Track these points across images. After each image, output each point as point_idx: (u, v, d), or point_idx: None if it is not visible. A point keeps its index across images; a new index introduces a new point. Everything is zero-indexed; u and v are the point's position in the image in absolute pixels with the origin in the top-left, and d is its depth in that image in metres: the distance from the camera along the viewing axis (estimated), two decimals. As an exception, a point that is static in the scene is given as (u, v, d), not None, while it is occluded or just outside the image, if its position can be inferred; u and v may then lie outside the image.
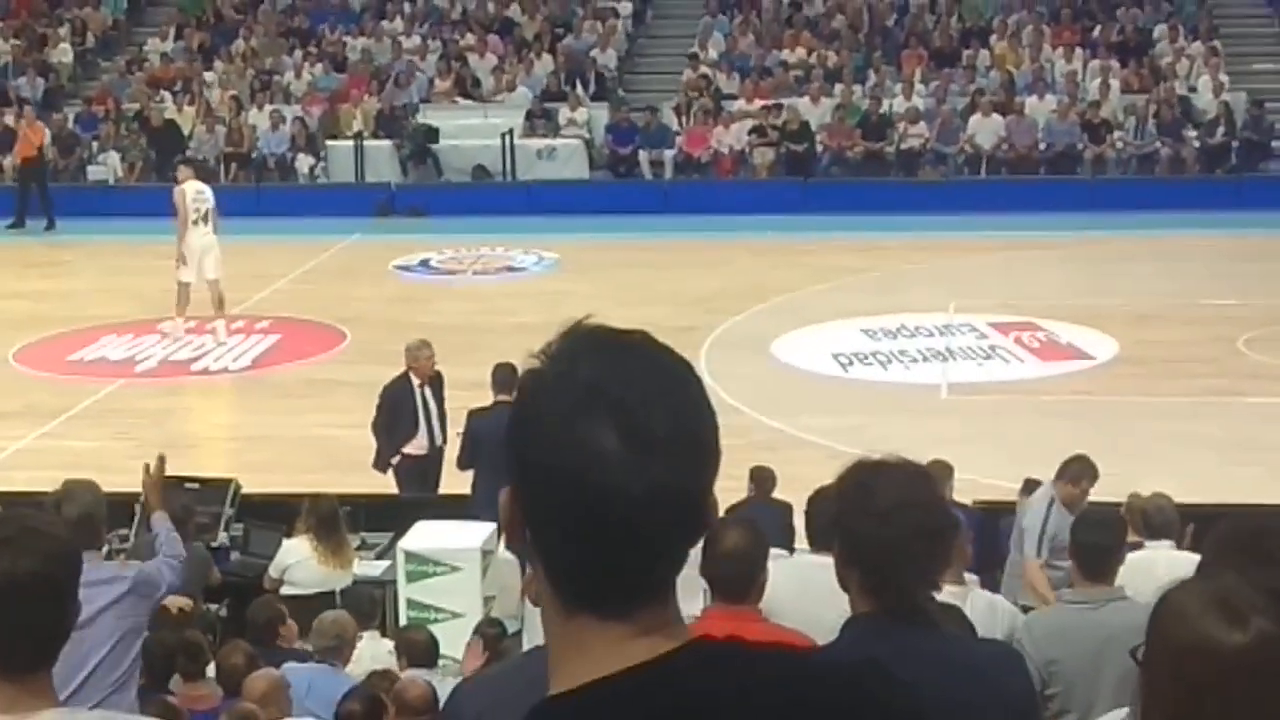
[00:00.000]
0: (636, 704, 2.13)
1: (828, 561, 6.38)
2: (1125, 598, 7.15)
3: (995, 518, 12.51)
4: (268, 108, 32.59)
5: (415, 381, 14.80)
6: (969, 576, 8.11)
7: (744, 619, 5.52)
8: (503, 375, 13.85)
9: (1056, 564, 10.88)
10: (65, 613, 3.29)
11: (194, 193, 21.99)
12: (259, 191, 31.18)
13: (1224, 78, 31.56)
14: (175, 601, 10.90)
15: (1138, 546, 10.82)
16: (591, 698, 2.14)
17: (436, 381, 14.94)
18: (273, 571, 11.44)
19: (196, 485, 13.07)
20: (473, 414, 13.72)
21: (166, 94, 33.57)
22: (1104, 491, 12.82)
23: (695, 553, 5.73)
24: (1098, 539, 7.29)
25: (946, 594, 7.07)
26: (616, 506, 2.11)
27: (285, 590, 11.32)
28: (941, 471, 11.92)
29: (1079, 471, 11.37)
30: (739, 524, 5.87)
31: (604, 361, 2.19)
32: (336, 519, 11.55)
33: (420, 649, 9.30)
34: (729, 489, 13.43)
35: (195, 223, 21.75)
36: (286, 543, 11.56)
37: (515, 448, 2.19)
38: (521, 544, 2.20)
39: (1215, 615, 3.08)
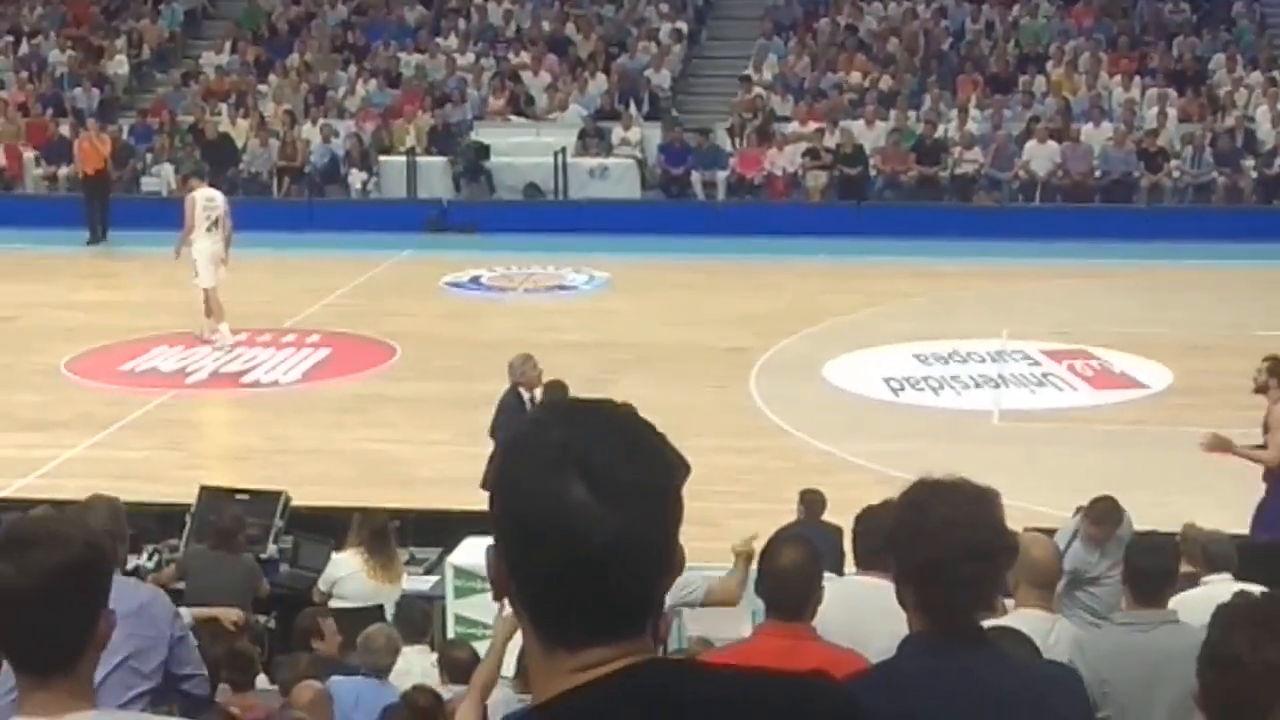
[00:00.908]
0: (588, 713, 2.38)
1: (876, 582, 6.35)
2: (1177, 621, 7.09)
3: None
4: (321, 122, 32.68)
5: (525, 395, 14.85)
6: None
7: (797, 637, 5.48)
8: (554, 393, 13.85)
9: (1090, 589, 10.84)
10: (93, 612, 3.27)
11: (204, 200, 22.14)
12: (311, 206, 31.28)
13: (1282, 108, 31.39)
14: (229, 615, 10.94)
15: (1194, 579, 10.74)
16: (554, 709, 2.39)
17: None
18: (322, 585, 11.43)
19: (246, 496, 13.10)
20: None
21: (221, 107, 33.70)
22: (1158, 522, 12.70)
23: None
24: (1152, 563, 7.26)
25: (1034, 618, 7.01)
26: (589, 553, 2.35)
27: (334, 603, 11.30)
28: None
29: (1103, 513, 11.27)
30: (795, 541, 5.83)
31: (573, 423, 2.44)
32: (387, 533, 11.55)
33: (461, 666, 9.25)
34: (780, 512, 13.38)
35: (208, 229, 21.83)
36: (336, 556, 11.55)
37: (497, 505, 2.45)
38: (506, 595, 2.44)
39: (1249, 630, 3.15)
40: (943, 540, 3.80)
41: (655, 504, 2.41)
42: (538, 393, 14.91)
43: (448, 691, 8.89)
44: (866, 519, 7.22)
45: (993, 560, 3.85)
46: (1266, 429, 13.69)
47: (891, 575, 6.18)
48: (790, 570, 5.61)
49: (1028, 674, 4.01)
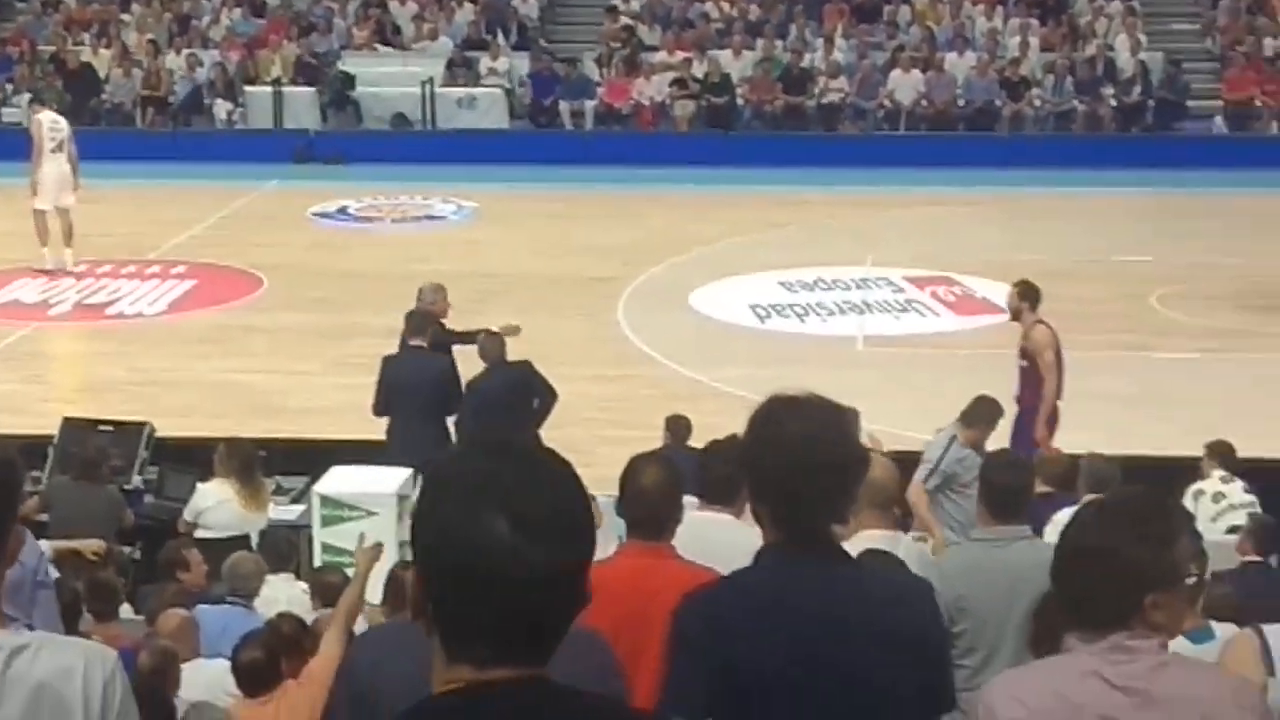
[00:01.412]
0: (460, 711, 2.56)
1: (719, 518, 6.41)
2: (1031, 537, 7.23)
3: (909, 468, 12.61)
4: (185, 52, 32.29)
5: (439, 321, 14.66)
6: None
7: (658, 556, 5.54)
8: (415, 322, 13.85)
9: (952, 495, 11.09)
10: (4, 529, 3.27)
11: (49, 123, 21.97)
12: (175, 136, 30.96)
13: (1142, 37, 31.79)
14: (89, 545, 10.90)
15: (1049, 499, 10.98)
16: (440, 703, 2.58)
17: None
18: (187, 515, 11.40)
19: (110, 428, 13.03)
20: (386, 361, 13.71)
21: (83, 36, 33.19)
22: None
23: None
24: (1008, 479, 7.35)
25: (878, 538, 7.14)
26: (507, 586, 2.51)
27: (200, 534, 11.28)
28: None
29: (981, 415, 11.56)
30: (655, 460, 5.86)
31: (498, 459, 2.60)
32: (255, 462, 11.52)
33: (333, 590, 9.28)
34: (645, 439, 13.46)
35: (52, 152, 21.60)
36: (202, 486, 11.52)
37: (419, 533, 2.59)
38: (425, 619, 2.58)
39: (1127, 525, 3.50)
40: (796, 453, 3.87)
41: (572, 542, 2.56)
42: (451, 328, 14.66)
43: (318, 615, 8.93)
44: (712, 452, 7.02)
45: (845, 472, 3.92)
46: (1025, 356, 13.88)
47: (735, 509, 6.29)
48: (651, 489, 5.65)
49: (880, 584, 4.08)
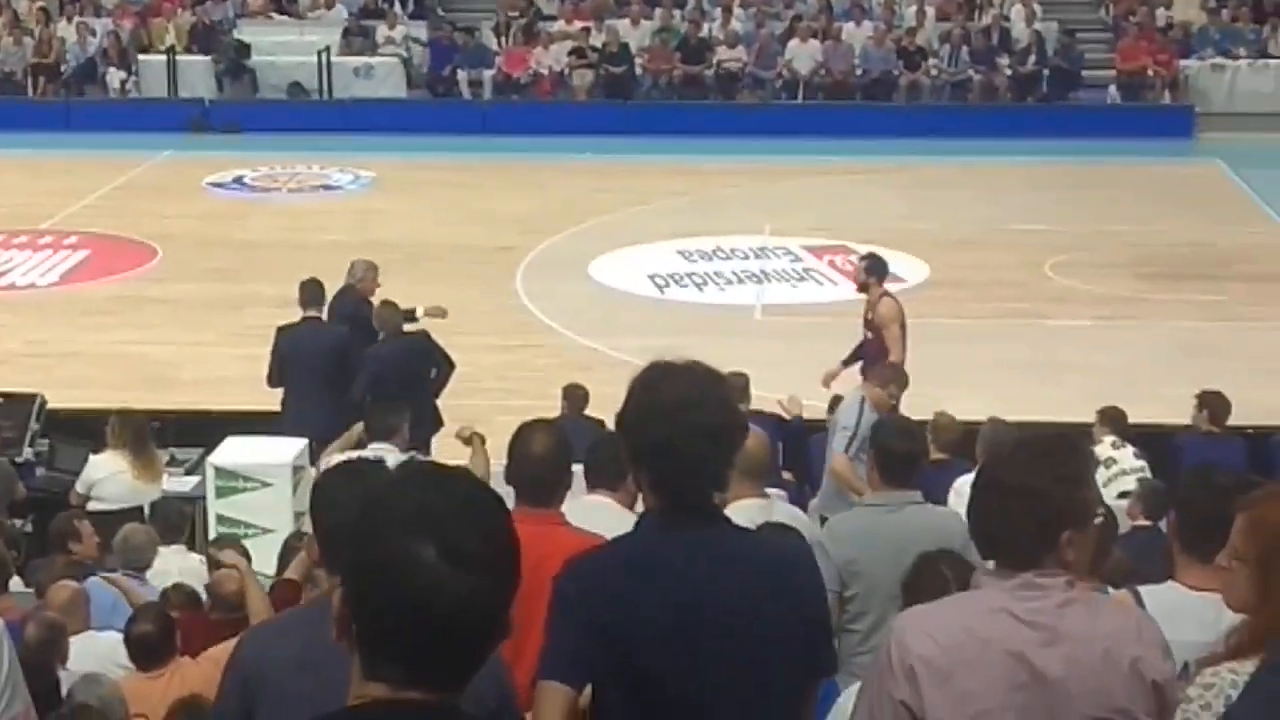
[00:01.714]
0: None
1: (603, 501, 6.41)
2: (922, 502, 7.29)
3: (806, 434, 12.68)
4: (77, 19, 31.89)
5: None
6: (771, 490, 8.20)
7: (547, 523, 5.54)
8: (310, 291, 13.76)
9: (864, 457, 11.13)
10: None
11: None
12: (68, 105, 30.60)
13: (1036, 7, 31.98)
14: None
15: (944, 465, 11.06)
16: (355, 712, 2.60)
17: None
18: (79, 487, 11.29)
19: (0, 400, 12.87)
20: (280, 331, 13.61)
21: (-29, 4, 32.71)
22: (912, 411, 13.05)
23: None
24: (902, 445, 7.40)
25: (751, 506, 7.17)
26: (431, 614, 2.54)
27: (93, 506, 11.17)
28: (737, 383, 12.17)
29: (888, 376, 11.62)
30: (544, 428, 5.86)
31: (432, 489, 2.63)
32: (147, 434, 11.42)
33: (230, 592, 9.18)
34: (543, 408, 13.46)
35: None
36: (94, 458, 11.40)
37: (350, 555, 2.61)
38: (347, 638, 2.59)
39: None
40: (674, 419, 3.87)
41: (499, 575, 2.64)
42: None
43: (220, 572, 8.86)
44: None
45: (721, 439, 3.91)
46: (871, 328, 13.98)
47: (619, 494, 6.30)
48: (540, 456, 5.65)
49: (760, 548, 4.08)
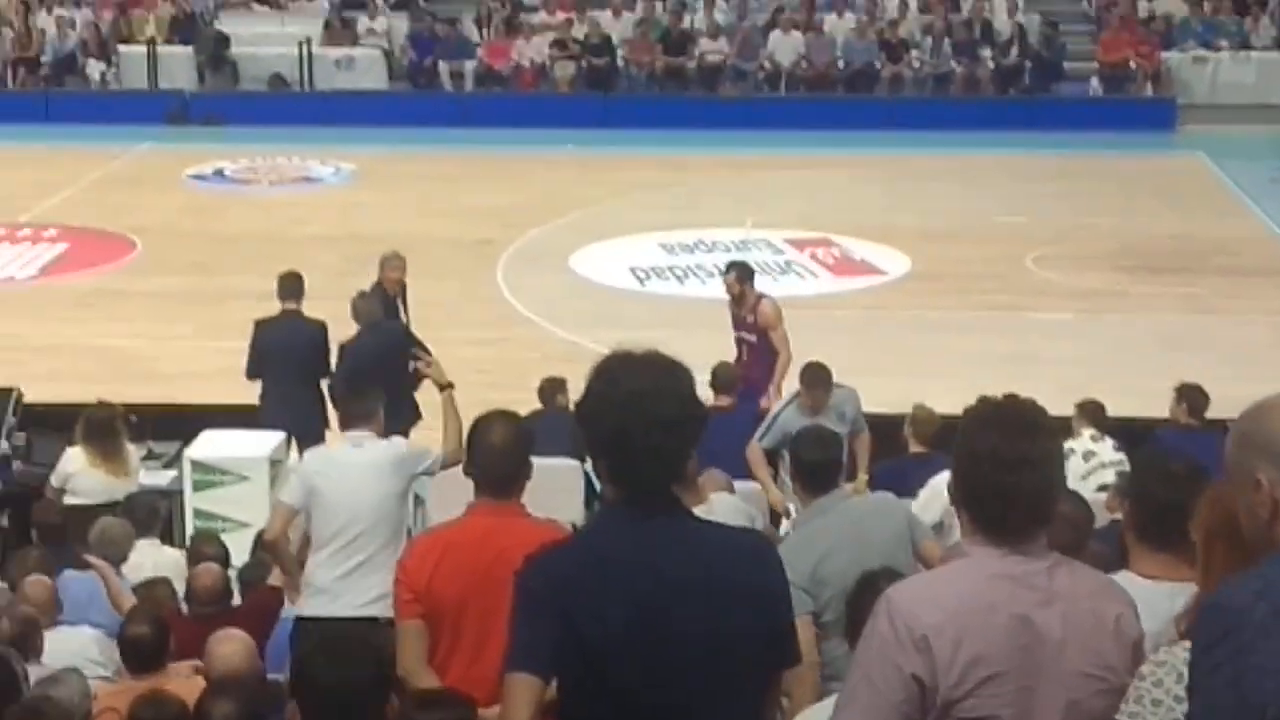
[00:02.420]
0: None
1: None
2: (847, 495, 7.37)
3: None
4: (57, 11, 31.78)
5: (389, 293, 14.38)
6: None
7: (508, 514, 5.57)
8: (288, 284, 13.70)
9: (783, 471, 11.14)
10: None
11: None
12: (48, 97, 30.49)
13: (1019, -1, 32.01)
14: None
15: (923, 459, 11.03)
16: None
17: (403, 293, 14.62)
18: (54, 480, 11.22)
19: (-26, 394, 12.82)
20: (259, 324, 13.56)
21: (-49, -5, 32.60)
22: (892, 404, 13.05)
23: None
24: (819, 456, 7.42)
25: (726, 502, 7.16)
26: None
27: (68, 500, 11.11)
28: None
29: (813, 378, 11.62)
30: (503, 419, 5.84)
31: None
32: (112, 426, 11.30)
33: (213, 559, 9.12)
34: (522, 401, 13.42)
35: None
36: (68, 451, 11.33)
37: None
38: None
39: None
40: (629, 409, 3.85)
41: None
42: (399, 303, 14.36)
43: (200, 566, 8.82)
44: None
45: (679, 430, 3.88)
46: (754, 331, 13.97)
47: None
48: (500, 447, 5.66)
49: (720, 538, 4.04)
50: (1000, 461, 3.69)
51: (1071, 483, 11.17)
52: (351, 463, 8.35)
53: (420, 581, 5.46)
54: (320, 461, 8.67)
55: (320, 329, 13.27)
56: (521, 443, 5.73)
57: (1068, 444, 11.50)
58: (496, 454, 5.64)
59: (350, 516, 8.17)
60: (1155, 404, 12.69)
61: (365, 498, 8.19)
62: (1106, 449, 11.46)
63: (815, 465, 7.32)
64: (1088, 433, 11.55)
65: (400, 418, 11.93)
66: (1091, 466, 11.29)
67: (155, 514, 10.16)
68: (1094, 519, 6.95)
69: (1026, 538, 3.73)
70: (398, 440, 9.02)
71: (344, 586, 8.07)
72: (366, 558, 8.10)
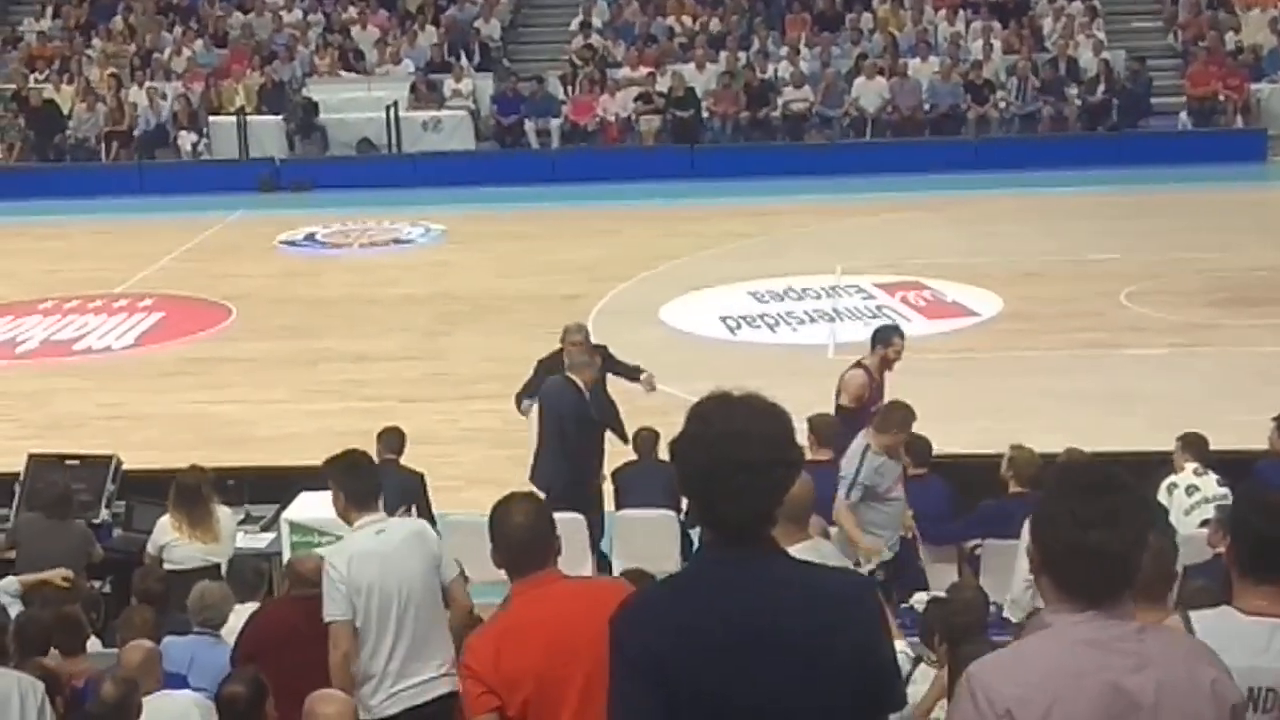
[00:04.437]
0: None
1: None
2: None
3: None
4: (147, 84, 32.21)
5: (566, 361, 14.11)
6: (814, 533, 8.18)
7: (548, 583, 5.52)
8: (389, 439, 13.06)
9: (874, 504, 10.99)
10: None
11: None
12: (141, 170, 30.86)
13: (1102, 35, 31.86)
14: (58, 573, 10.82)
15: (1024, 498, 10.93)
16: None
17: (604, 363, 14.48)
18: (150, 549, 11.28)
19: (76, 462, 12.93)
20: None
21: (45, 73, 33.09)
22: (988, 445, 12.96)
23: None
24: None
25: (800, 550, 7.08)
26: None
27: (168, 567, 11.17)
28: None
29: (893, 420, 11.42)
30: (521, 500, 5.78)
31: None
32: (198, 491, 11.32)
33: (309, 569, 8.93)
34: (615, 453, 13.46)
35: None
36: (161, 520, 11.39)
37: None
38: None
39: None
40: (719, 450, 3.85)
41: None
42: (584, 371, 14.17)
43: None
44: None
45: (762, 472, 3.86)
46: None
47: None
48: (525, 525, 5.59)
49: (819, 579, 4.02)
50: (1078, 521, 3.63)
51: (1174, 517, 11.05)
52: (378, 552, 7.82)
53: (489, 673, 5.34)
54: (347, 560, 7.89)
55: (418, 479, 12.77)
56: (545, 517, 5.68)
57: (1170, 479, 11.37)
58: (523, 532, 5.57)
59: (397, 602, 7.79)
60: (1255, 436, 12.53)
61: (404, 580, 7.80)
62: (1210, 483, 11.31)
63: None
64: (1190, 467, 11.41)
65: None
66: (1195, 501, 11.15)
67: (261, 577, 10.19)
68: (1178, 551, 6.75)
69: (1111, 601, 3.66)
70: (416, 520, 8.72)
71: (407, 670, 7.80)
72: (421, 634, 7.84)
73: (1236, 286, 21.03)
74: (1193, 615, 4.80)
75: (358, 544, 7.90)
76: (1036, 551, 3.73)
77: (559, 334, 16.25)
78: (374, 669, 7.82)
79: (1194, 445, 11.68)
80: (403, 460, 12.67)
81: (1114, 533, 3.64)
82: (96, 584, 11.54)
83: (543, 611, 5.37)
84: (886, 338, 13.66)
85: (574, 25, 33.58)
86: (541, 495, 5.97)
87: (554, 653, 5.20)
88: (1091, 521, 3.62)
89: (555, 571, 5.61)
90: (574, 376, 13.43)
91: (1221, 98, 30.48)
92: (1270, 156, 29.39)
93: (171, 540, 11.18)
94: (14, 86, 32.48)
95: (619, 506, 13.06)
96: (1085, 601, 3.65)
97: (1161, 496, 11.20)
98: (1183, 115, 30.56)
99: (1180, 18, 32.64)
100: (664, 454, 12.44)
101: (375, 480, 8.22)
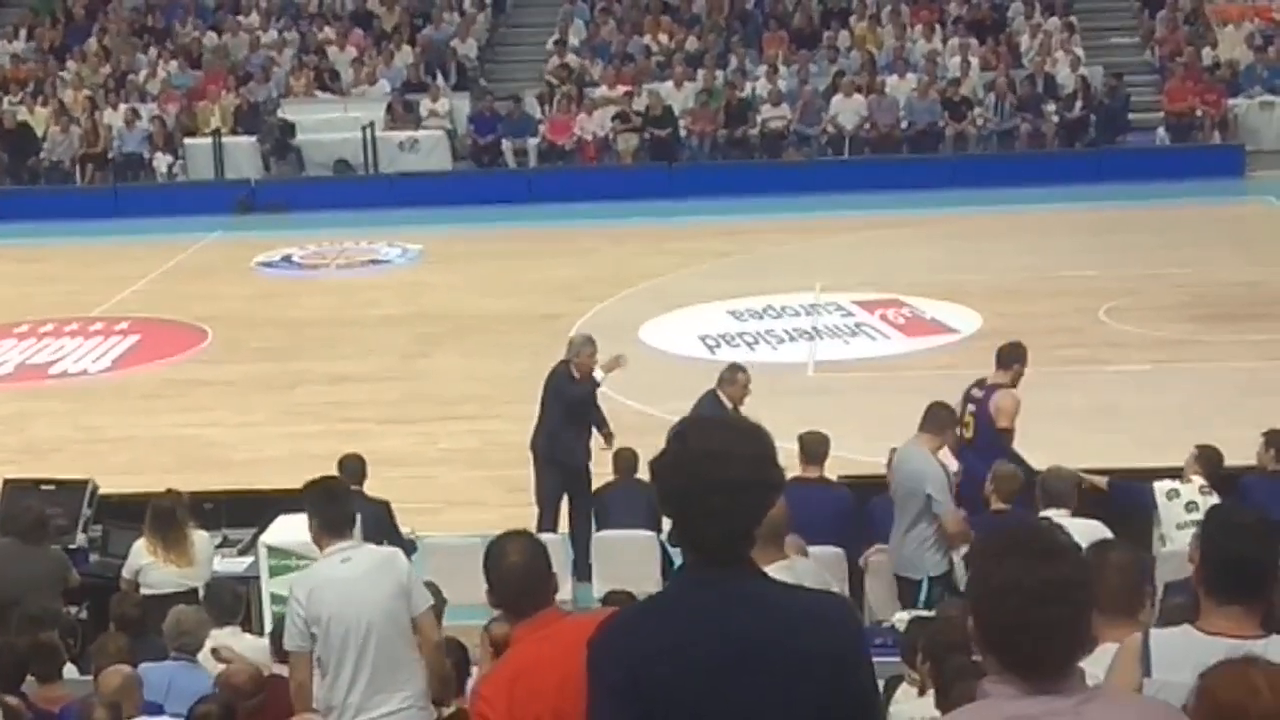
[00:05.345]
0: None
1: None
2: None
3: (865, 494, 12.51)
4: (123, 107, 32.10)
5: (576, 375, 14.22)
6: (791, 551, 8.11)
7: (550, 622, 5.47)
8: (350, 466, 12.84)
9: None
10: None
11: None
12: (116, 192, 30.75)
13: (1080, 52, 31.90)
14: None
15: (1010, 516, 10.87)
16: None
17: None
18: (126, 573, 11.20)
19: (52, 487, 12.84)
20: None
21: (19, 95, 32.97)
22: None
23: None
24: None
25: (775, 569, 7.03)
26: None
27: (144, 591, 11.08)
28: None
29: (943, 420, 11.48)
30: (515, 539, 5.74)
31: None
32: (172, 515, 11.24)
33: (241, 682, 8.94)
34: (597, 474, 13.41)
35: None
36: (136, 544, 11.30)
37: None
38: None
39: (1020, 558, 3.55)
40: (697, 469, 3.82)
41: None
42: (598, 372, 14.34)
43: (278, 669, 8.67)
44: None
45: (739, 492, 3.82)
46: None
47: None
48: (520, 568, 5.56)
49: (794, 604, 3.96)
50: (1025, 593, 3.46)
51: (1166, 526, 11.03)
52: (340, 579, 7.70)
53: (504, 717, 5.33)
54: (308, 590, 7.79)
55: (383, 507, 12.81)
56: (540, 554, 5.63)
57: (1174, 484, 11.28)
58: (520, 572, 5.53)
59: (356, 632, 7.64)
60: (1238, 451, 12.48)
61: (366, 609, 7.64)
62: (1210, 504, 11.20)
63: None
64: (1198, 481, 11.29)
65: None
66: (1192, 518, 11.04)
67: (239, 600, 10.11)
68: (1147, 565, 6.73)
69: (1059, 674, 3.49)
70: (386, 549, 8.56)
71: (369, 703, 7.64)
72: (385, 665, 7.67)
73: (1215, 302, 21.03)
74: (1152, 633, 4.73)
75: (321, 573, 7.83)
76: (978, 629, 3.55)
77: (538, 353, 16.31)
78: (334, 699, 7.68)
79: (1207, 460, 11.53)
80: (384, 480, 12.59)
81: (1067, 603, 3.48)
82: (73, 609, 11.45)
83: (552, 651, 5.28)
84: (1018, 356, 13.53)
85: (550, 44, 33.57)
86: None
87: (566, 691, 5.12)
88: (1042, 593, 3.46)
89: (556, 609, 5.58)
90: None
91: (1199, 113, 30.52)
92: (1248, 172, 29.43)
93: (147, 564, 11.09)
94: (-12, 109, 32.37)
95: (600, 527, 13.02)
96: (1031, 678, 3.49)
97: (1159, 499, 11.15)
98: (1160, 131, 30.60)
99: (1157, 33, 32.72)
100: (644, 474, 12.42)
101: (349, 508, 8.13)
